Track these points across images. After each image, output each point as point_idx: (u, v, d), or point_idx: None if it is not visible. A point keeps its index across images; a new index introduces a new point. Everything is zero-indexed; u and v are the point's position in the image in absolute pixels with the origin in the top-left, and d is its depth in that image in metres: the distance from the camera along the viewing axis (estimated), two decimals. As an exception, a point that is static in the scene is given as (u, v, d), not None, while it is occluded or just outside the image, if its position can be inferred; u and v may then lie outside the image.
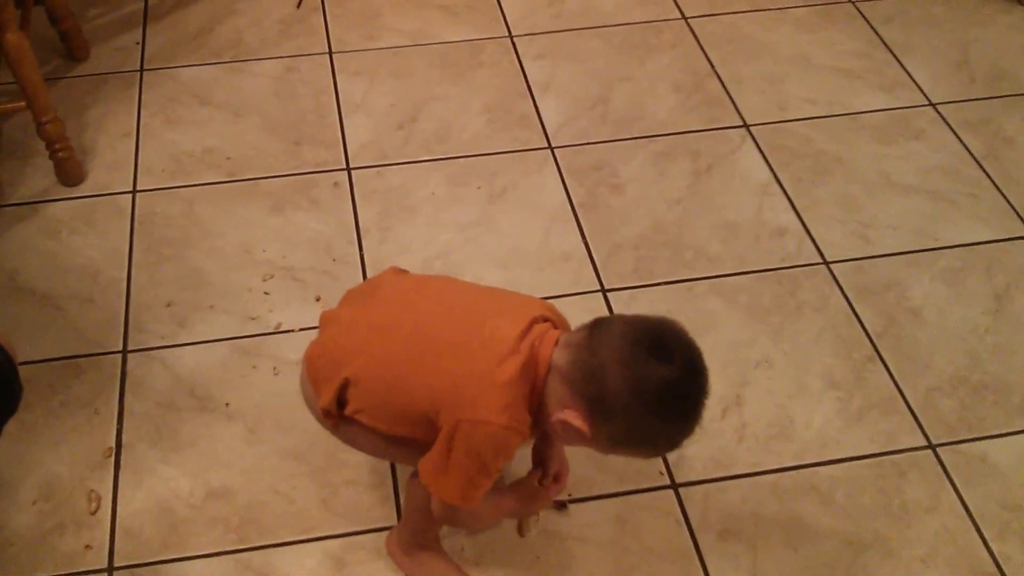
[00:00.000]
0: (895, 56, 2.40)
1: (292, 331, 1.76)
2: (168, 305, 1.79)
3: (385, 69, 2.31)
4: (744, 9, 2.52)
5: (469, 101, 2.23)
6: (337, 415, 1.30)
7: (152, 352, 1.72)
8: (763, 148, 2.15)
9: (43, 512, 1.51)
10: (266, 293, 1.82)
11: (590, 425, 1.16)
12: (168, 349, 1.72)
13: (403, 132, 2.15)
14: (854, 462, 1.61)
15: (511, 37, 2.40)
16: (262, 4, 2.48)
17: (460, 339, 1.23)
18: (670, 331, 1.18)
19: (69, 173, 1.99)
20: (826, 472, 1.59)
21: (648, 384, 1.13)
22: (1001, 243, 1.98)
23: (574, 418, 1.16)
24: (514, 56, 2.35)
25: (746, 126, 2.20)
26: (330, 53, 2.34)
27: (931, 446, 1.63)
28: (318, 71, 2.29)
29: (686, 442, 1.21)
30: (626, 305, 1.80)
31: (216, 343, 1.74)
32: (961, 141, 2.19)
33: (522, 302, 1.31)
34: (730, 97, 2.26)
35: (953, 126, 2.22)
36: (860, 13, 2.53)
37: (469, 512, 1.27)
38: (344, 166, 2.07)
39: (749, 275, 1.89)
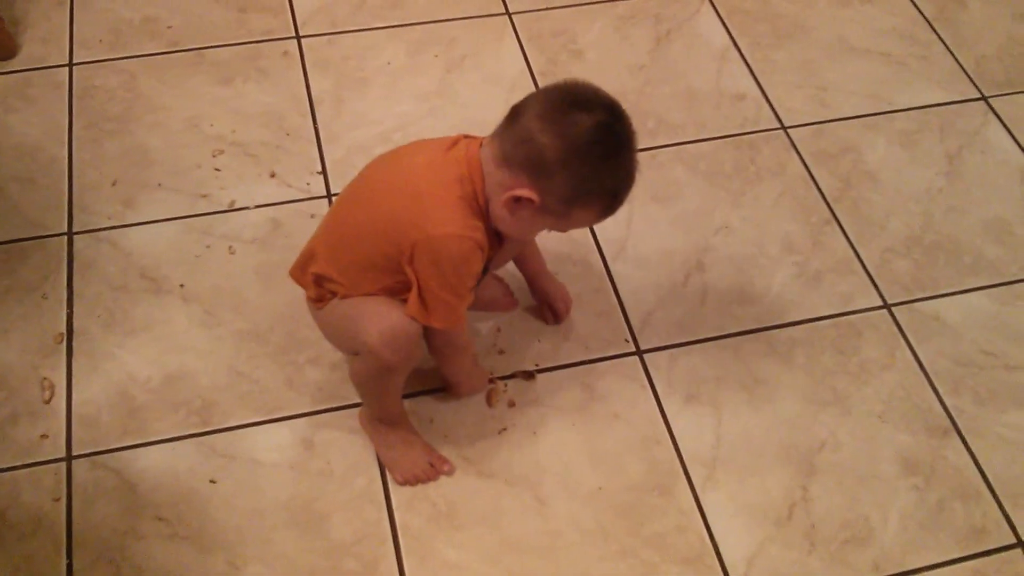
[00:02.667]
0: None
1: (247, 208, 1.71)
2: (113, 184, 1.73)
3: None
4: None
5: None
6: (323, 297, 1.36)
7: (99, 233, 1.67)
8: (721, 12, 2.11)
9: (-5, 402, 1.47)
10: (217, 170, 1.76)
11: (537, 190, 1.20)
12: (116, 230, 1.67)
13: (354, -1, 2.08)
14: (813, 323, 1.64)
15: None
16: None
17: (394, 178, 1.29)
18: (584, 86, 1.22)
19: (0, 46, 1.89)
20: (786, 334, 1.62)
21: (577, 131, 1.17)
22: (953, 105, 1.99)
23: (521, 191, 1.20)
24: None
25: (702, -11, 2.15)
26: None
27: (886, 306, 1.67)
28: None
29: (629, 190, 1.27)
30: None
31: (167, 223, 1.69)
32: (914, 3, 2.17)
33: (446, 137, 1.33)
34: (685, -41, 2.21)
35: (907, -15, 2.21)
36: None
37: (455, 335, 1.35)
38: (293, 34, 1.99)
39: (710, 142, 1.88)
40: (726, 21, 2.09)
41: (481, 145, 1.26)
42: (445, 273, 1.22)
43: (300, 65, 1.94)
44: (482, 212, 1.25)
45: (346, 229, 1.33)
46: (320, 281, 1.34)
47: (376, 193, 1.31)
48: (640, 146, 1.78)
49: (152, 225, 1.68)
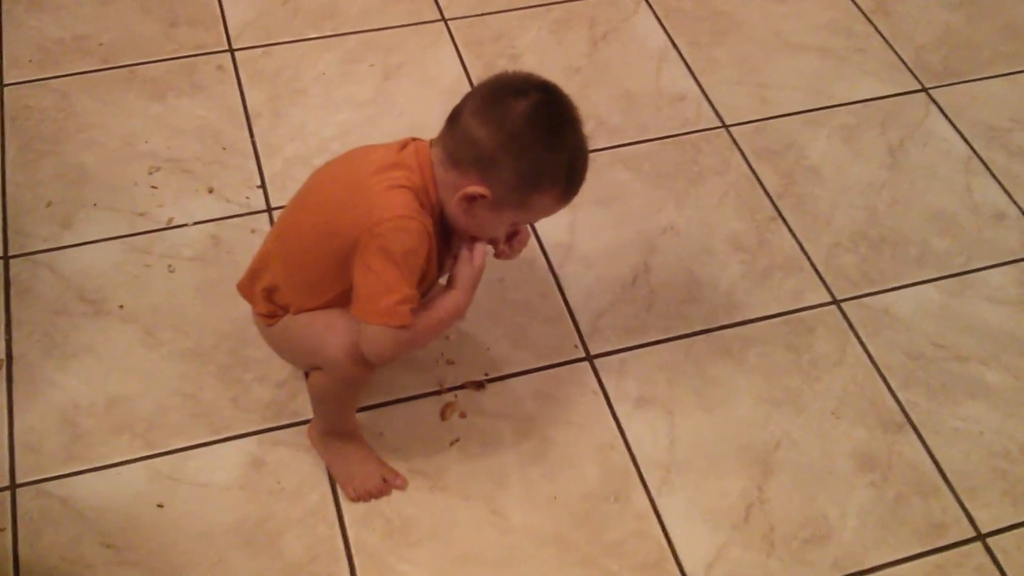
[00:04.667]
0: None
1: (185, 225, 1.67)
2: (49, 205, 1.69)
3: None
4: None
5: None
6: (275, 313, 1.33)
7: (36, 256, 1.62)
8: (658, 12, 2.11)
9: (-66, 433, 1.43)
10: (153, 187, 1.72)
11: (487, 184, 1.18)
12: (53, 252, 1.63)
13: (288, 7, 2.04)
14: (763, 322, 1.63)
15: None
16: None
17: (344, 180, 1.27)
18: (515, 74, 1.22)
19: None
20: (736, 333, 1.62)
21: (513, 115, 1.16)
22: (894, 98, 2.00)
23: (472, 188, 1.18)
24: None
25: (640, -11, 2.15)
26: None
27: (835, 301, 1.67)
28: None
29: (583, 167, 1.26)
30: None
31: (104, 243, 1.64)
32: (851, -5, 2.19)
33: (396, 141, 1.30)
34: (622, -40, 2.20)
35: (844, -22, 2.22)
36: None
37: (411, 335, 1.23)
38: (227, 47, 1.96)
39: (651, 143, 1.87)
40: (663, 21, 2.09)
41: (430, 146, 1.25)
42: (394, 256, 1.18)
43: (235, 78, 1.90)
44: (433, 209, 1.23)
45: (296, 236, 1.30)
46: (270, 295, 1.32)
47: (325, 196, 1.28)
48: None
49: (89, 246, 1.64)
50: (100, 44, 1.94)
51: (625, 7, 2.11)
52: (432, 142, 1.25)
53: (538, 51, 2.00)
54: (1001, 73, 2.06)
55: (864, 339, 1.62)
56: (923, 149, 1.91)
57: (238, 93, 1.87)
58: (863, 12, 2.16)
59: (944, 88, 2.02)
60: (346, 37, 2.00)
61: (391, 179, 1.21)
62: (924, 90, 2.02)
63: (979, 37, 2.13)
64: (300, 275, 1.29)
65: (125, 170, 1.74)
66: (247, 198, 1.72)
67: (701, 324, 1.62)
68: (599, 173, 1.81)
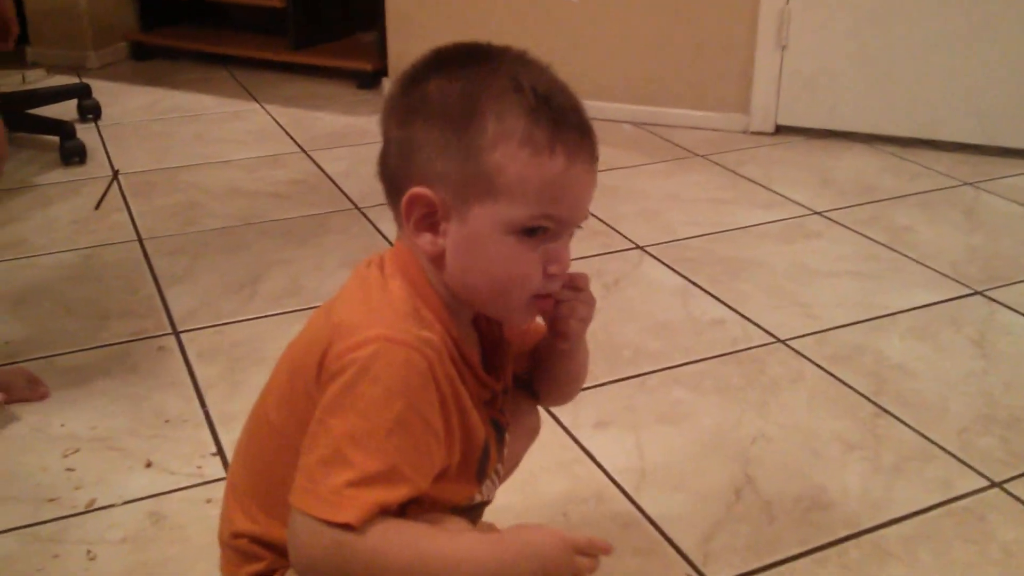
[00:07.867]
0: (762, 186, 2.25)
1: (112, 506, 1.21)
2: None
3: (213, 245, 1.92)
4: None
5: (322, 260, 1.86)
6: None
7: None
8: (665, 260, 1.85)
9: None
10: (70, 469, 1.27)
11: (423, 182, 0.78)
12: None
13: (244, 293, 1.73)
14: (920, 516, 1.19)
15: (359, 209, 2.10)
16: (50, 210, 2.09)
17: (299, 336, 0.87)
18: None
19: None
20: (894, 532, 1.16)
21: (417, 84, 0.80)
22: (951, 302, 1.71)
23: (410, 193, 0.78)
24: (367, 223, 2.03)
25: (640, 248, 1.91)
26: (140, 240, 1.93)
27: (995, 484, 1.25)
28: (126, 255, 1.87)
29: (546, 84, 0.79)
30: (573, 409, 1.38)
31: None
32: (861, 234, 1.99)
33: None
34: (614, 229, 1.99)
35: (847, 224, 2.03)
36: (713, 162, 2.40)
37: (362, 554, 0.71)
38: (170, 330, 1.60)
39: (705, 362, 1.52)
40: (673, 267, 1.83)
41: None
42: (370, 405, 0.73)
43: (180, 356, 1.52)
44: (436, 309, 0.80)
45: (256, 426, 0.88)
46: (241, 541, 0.86)
47: (284, 358, 0.87)
48: (622, 375, 1.49)
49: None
50: (6, 343, 1.56)
51: (629, 259, 1.87)
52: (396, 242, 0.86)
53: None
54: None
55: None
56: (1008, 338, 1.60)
57: (184, 368, 1.49)
58: (880, 243, 1.94)
59: (998, 289, 1.76)
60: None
61: (367, 297, 0.80)
62: (979, 293, 1.74)
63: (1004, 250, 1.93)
64: (266, 477, 0.84)
65: (32, 457, 1.30)
66: (199, 467, 1.26)
67: (842, 529, 1.17)
68: (653, 395, 1.43)
